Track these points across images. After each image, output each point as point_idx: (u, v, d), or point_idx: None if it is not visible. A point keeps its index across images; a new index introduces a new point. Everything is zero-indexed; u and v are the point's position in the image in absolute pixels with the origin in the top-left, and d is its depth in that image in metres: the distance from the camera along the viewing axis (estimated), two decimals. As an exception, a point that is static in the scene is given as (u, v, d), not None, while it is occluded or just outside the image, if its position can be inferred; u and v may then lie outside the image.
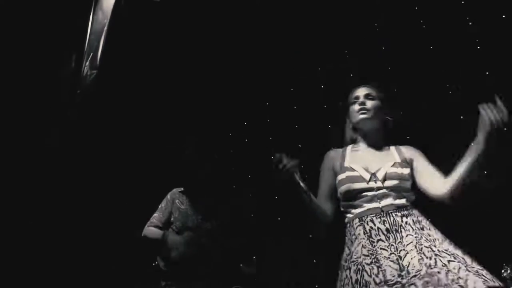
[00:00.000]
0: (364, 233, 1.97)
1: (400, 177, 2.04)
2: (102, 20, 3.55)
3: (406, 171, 2.06)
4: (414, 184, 2.08)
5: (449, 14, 3.57)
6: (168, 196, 3.05)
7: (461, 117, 3.39)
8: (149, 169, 3.77)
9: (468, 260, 1.82)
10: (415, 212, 2.02)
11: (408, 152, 2.15)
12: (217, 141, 3.35)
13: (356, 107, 2.18)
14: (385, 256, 1.87)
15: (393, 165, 2.07)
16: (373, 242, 1.94)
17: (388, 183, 2.02)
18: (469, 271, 1.75)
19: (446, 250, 1.85)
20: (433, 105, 3.48)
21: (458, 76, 3.50)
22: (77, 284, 3.36)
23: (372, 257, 1.89)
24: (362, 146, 2.21)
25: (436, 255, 1.82)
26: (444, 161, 2.06)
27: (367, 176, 2.05)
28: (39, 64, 3.52)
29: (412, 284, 1.75)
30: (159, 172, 3.60)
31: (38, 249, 3.33)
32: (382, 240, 1.93)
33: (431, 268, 1.77)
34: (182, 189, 3.06)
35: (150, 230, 2.91)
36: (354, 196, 2.06)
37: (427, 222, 1.99)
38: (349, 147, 2.22)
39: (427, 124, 3.39)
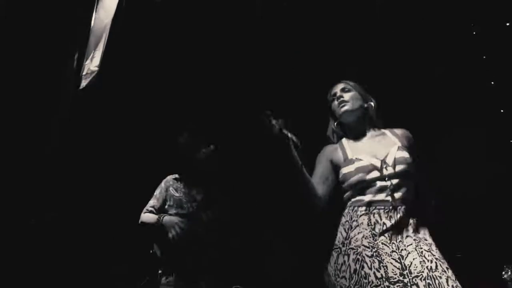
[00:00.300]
0: (368, 224, 1.95)
1: (407, 162, 2.01)
2: (104, 19, 3.55)
3: (408, 155, 2.04)
4: None
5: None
6: (162, 183, 3.00)
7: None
8: (145, 158, 3.74)
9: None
10: (414, 210, 2.00)
11: (405, 135, 2.14)
12: (214, 131, 3.31)
13: (335, 102, 2.20)
14: (386, 252, 1.86)
15: (398, 149, 2.05)
16: (375, 235, 1.92)
17: (399, 167, 1.99)
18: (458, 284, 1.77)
19: (442, 258, 1.86)
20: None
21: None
22: (74, 278, 3.35)
23: (373, 250, 1.88)
24: (355, 137, 2.18)
25: (436, 259, 1.83)
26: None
27: (377, 163, 2.03)
28: (40, 63, 3.52)
29: (414, 284, 1.76)
30: (155, 160, 3.57)
31: (32, 242, 3.32)
32: (384, 236, 1.92)
33: (433, 272, 1.78)
34: (177, 176, 3.00)
35: (146, 215, 2.86)
36: (365, 185, 2.02)
37: (423, 224, 1.99)
38: (343, 140, 2.20)
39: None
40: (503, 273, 2.84)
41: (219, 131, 3.63)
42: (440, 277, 1.76)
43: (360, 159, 2.06)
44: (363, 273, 1.83)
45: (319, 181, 2.14)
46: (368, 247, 1.88)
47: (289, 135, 1.98)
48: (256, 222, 3.67)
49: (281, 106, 2.16)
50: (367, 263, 1.84)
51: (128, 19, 3.69)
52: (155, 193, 2.98)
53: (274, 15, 3.99)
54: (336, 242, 1.98)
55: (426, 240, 1.92)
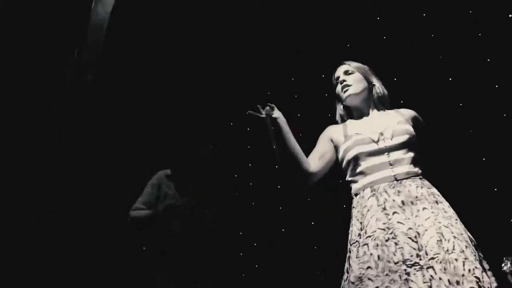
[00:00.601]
0: (378, 205, 1.87)
1: (409, 132, 1.99)
2: (102, 13, 3.53)
3: (411, 128, 2.02)
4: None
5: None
6: (154, 180, 2.92)
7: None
8: (145, 157, 3.73)
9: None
10: (427, 182, 1.95)
11: (410, 114, 2.12)
12: (214, 131, 3.29)
13: (339, 87, 2.18)
14: (402, 231, 1.78)
15: (398, 122, 2.03)
16: (388, 215, 1.83)
17: (397, 139, 1.97)
18: (482, 263, 1.72)
19: (461, 233, 1.78)
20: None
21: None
22: (74, 278, 3.35)
23: (389, 231, 1.79)
24: (359, 118, 2.17)
25: (455, 237, 1.74)
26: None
27: (375, 136, 2.00)
28: (40, 62, 3.51)
29: (430, 267, 1.69)
30: (155, 159, 3.55)
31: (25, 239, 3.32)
32: (398, 213, 1.83)
33: (449, 254, 1.70)
34: (169, 172, 2.93)
35: (136, 212, 2.80)
36: (364, 160, 1.98)
37: (440, 195, 1.92)
38: (348, 121, 2.19)
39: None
40: (503, 265, 2.83)
41: (219, 131, 3.63)
42: (457, 260, 1.68)
43: (359, 133, 2.05)
44: (386, 256, 1.74)
45: (314, 157, 2.13)
46: (384, 229, 1.80)
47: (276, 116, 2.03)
48: (256, 222, 3.67)
49: (281, 107, 2.16)
50: (386, 247, 1.76)
51: (127, 17, 3.70)
52: (146, 190, 2.89)
53: (274, 15, 3.99)
54: (353, 236, 1.90)
55: (445, 212, 1.85)
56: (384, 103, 2.18)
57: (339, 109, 2.24)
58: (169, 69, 3.97)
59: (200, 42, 3.97)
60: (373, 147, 1.98)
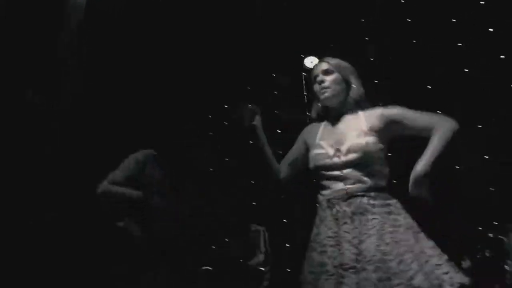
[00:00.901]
0: (331, 215, 1.95)
1: (363, 149, 1.97)
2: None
3: (371, 140, 1.99)
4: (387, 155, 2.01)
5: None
6: (140, 156, 2.59)
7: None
8: None
9: (434, 253, 1.79)
10: (384, 195, 1.96)
11: (379, 115, 2.06)
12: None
13: (317, 86, 2.15)
14: (347, 240, 1.86)
15: (357, 136, 2.01)
16: (339, 224, 1.92)
17: (351, 156, 1.97)
18: (422, 266, 1.74)
19: (407, 240, 1.81)
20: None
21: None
22: (74, 278, 3.35)
23: (336, 239, 1.89)
24: (333, 120, 2.16)
25: (395, 242, 1.80)
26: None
27: (331, 152, 2.03)
28: (40, 62, 3.51)
29: (364, 269, 1.76)
30: None
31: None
32: (347, 223, 1.91)
33: (385, 255, 1.77)
34: (155, 153, 2.62)
35: (116, 188, 2.44)
36: (321, 174, 2.04)
37: (398, 206, 1.93)
38: (325, 122, 2.19)
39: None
40: (462, 262, 2.87)
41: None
42: (391, 260, 1.75)
43: (321, 146, 2.07)
44: (322, 262, 1.86)
45: (285, 163, 2.22)
46: (332, 237, 1.90)
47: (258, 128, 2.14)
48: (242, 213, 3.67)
49: (281, 106, 2.17)
50: (327, 253, 1.87)
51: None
52: (128, 163, 2.55)
53: (274, 15, 4.00)
54: (310, 240, 2.01)
55: (396, 221, 1.87)
56: (361, 104, 2.15)
57: (316, 106, 2.22)
58: (169, 68, 3.97)
59: (199, 41, 3.97)
60: (329, 162, 2.02)
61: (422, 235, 1.86)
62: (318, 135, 2.15)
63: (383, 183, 1.99)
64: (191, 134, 2.98)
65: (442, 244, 1.86)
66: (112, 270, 3.02)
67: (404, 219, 1.90)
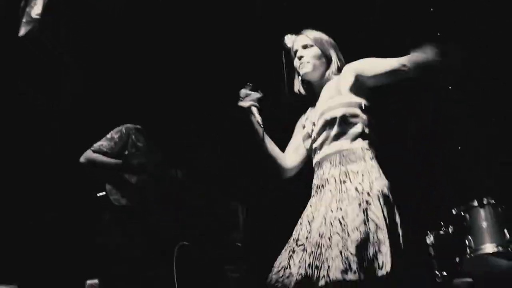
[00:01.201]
0: (312, 192, 1.97)
1: (329, 109, 1.95)
2: None
3: (338, 100, 1.97)
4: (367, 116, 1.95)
5: None
6: (123, 128, 2.78)
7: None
8: None
9: (358, 237, 1.62)
10: (350, 155, 1.86)
11: (350, 70, 2.03)
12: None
13: (296, 62, 2.15)
14: (307, 215, 1.89)
15: (330, 97, 2.02)
16: (311, 199, 1.94)
17: (321, 121, 1.97)
18: (341, 253, 1.62)
19: (342, 218, 1.70)
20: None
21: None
22: (74, 278, 3.36)
23: (304, 214, 1.91)
24: (315, 95, 2.15)
25: (330, 224, 1.72)
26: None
27: (310, 128, 2.06)
28: (40, 62, 3.50)
29: (304, 250, 1.76)
30: None
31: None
32: (314, 196, 1.93)
33: (321, 238, 1.72)
34: (139, 126, 2.80)
35: (100, 156, 2.61)
36: (309, 154, 2.08)
37: (362, 170, 1.82)
38: (309, 108, 2.19)
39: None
40: (426, 237, 2.95)
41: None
42: (323, 246, 1.68)
43: (305, 127, 2.11)
44: (292, 239, 1.88)
45: (290, 151, 2.18)
46: (305, 214, 1.92)
47: (256, 116, 2.08)
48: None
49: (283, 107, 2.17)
50: (297, 226, 1.90)
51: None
52: (111, 135, 2.72)
53: (274, 15, 3.99)
54: None
55: (346, 193, 1.77)
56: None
57: (297, 80, 2.19)
58: (168, 68, 3.97)
59: (199, 41, 3.97)
60: (309, 140, 2.06)
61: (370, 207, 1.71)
62: (305, 116, 2.17)
63: (358, 144, 1.90)
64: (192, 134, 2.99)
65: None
66: (112, 270, 3.03)
67: (360, 184, 1.77)
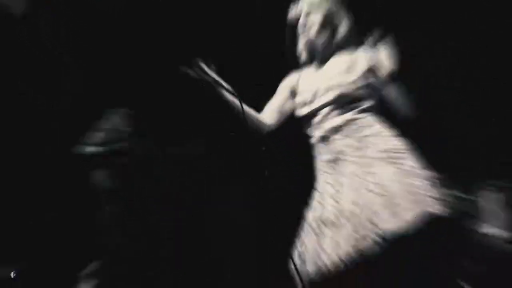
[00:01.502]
0: (322, 169, 1.92)
1: (339, 85, 1.91)
2: None
3: (349, 78, 1.93)
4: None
5: None
6: (113, 115, 2.90)
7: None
8: None
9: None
10: (362, 122, 1.85)
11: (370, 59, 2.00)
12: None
13: (300, 29, 2.08)
14: (327, 192, 1.81)
15: (336, 75, 1.96)
16: (325, 177, 1.86)
17: (326, 96, 1.92)
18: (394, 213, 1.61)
19: (378, 182, 1.69)
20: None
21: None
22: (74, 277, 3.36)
23: (321, 193, 1.85)
24: (318, 63, 2.09)
25: (368, 190, 1.69)
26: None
27: (308, 99, 1.99)
28: (40, 61, 3.51)
29: (322, 233, 1.72)
30: None
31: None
32: (328, 173, 1.85)
33: (360, 209, 1.69)
34: (129, 111, 2.89)
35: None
36: (306, 121, 2.00)
37: (376, 133, 1.82)
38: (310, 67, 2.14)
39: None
40: None
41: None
42: (366, 215, 1.67)
43: (301, 92, 2.03)
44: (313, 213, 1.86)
45: (273, 109, 2.10)
46: (323, 192, 1.89)
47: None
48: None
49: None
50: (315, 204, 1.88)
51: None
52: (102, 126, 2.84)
53: (274, 15, 3.99)
54: None
55: (369, 165, 1.75)
56: (349, 45, 2.06)
57: (300, 45, 2.12)
58: (168, 68, 3.96)
59: (199, 41, 3.96)
60: (305, 109, 1.97)
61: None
62: (298, 79, 2.10)
63: (366, 115, 1.90)
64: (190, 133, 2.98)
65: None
66: (112, 270, 3.03)
67: (384, 144, 1.76)
